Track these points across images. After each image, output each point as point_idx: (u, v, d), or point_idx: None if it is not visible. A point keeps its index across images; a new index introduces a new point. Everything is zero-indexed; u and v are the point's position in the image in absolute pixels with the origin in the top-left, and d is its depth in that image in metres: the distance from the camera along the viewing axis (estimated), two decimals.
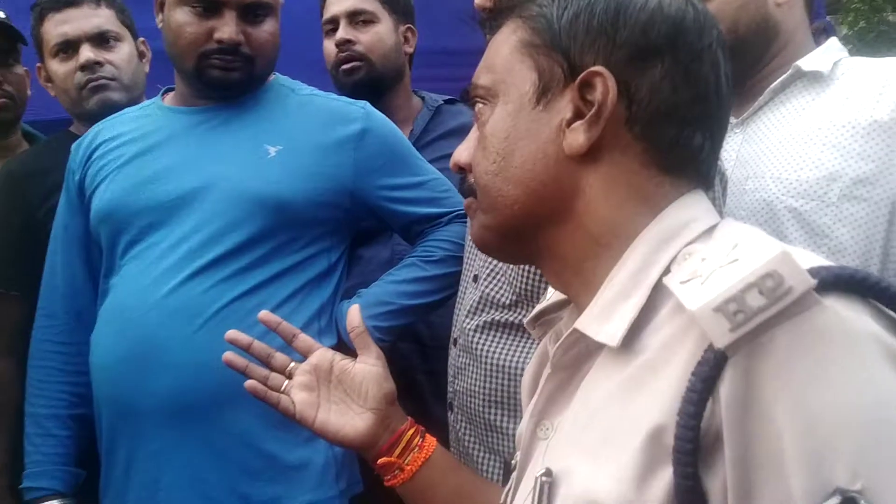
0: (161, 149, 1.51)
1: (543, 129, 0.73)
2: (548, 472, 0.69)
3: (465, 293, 1.42)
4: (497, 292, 1.33)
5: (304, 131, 1.52)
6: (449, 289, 1.55)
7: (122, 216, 1.48)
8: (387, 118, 1.63)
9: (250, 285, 1.42)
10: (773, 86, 1.47)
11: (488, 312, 1.34)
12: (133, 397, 1.41)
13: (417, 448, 1.02)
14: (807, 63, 1.44)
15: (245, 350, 1.08)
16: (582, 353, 0.73)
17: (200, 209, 1.44)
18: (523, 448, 0.79)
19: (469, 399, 1.36)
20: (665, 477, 0.60)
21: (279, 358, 1.07)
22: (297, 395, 1.04)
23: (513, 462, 0.83)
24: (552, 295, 0.85)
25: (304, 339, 1.08)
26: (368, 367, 1.03)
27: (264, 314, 1.10)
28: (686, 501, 0.59)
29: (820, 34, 1.62)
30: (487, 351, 1.33)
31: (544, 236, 0.75)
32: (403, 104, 2.02)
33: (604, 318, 0.69)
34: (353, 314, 1.06)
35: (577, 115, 0.72)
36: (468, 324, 1.36)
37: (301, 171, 1.48)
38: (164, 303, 1.40)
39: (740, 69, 1.47)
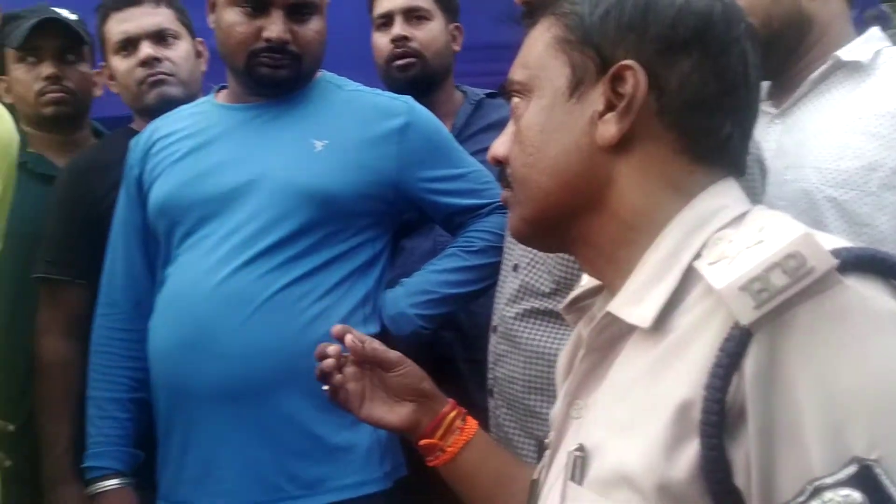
0: (214, 144, 1.57)
1: (577, 122, 0.76)
2: (580, 448, 0.72)
3: (504, 282, 1.46)
4: (537, 281, 1.36)
5: (350, 126, 1.57)
6: (489, 278, 1.59)
7: (178, 209, 1.55)
8: (429, 112, 1.67)
9: (299, 274, 1.48)
10: (812, 76, 1.48)
11: (528, 300, 1.37)
12: (188, 381, 1.47)
13: (459, 430, 1.06)
14: (846, 53, 1.45)
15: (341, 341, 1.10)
16: (614, 335, 0.76)
17: (251, 201, 1.50)
18: (556, 427, 0.82)
19: (509, 385, 1.39)
20: (692, 449, 0.63)
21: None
22: (347, 385, 1.09)
23: (546, 441, 0.86)
24: (586, 282, 0.88)
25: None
26: (396, 377, 1.08)
27: (337, 329, 1.10)
28: (711, 471, 0.62)
29: (872, 22, 1.61)
30: (527, 338, 1.36)
31: (579, 225, 0.78)
32: (447, 99, 2.07)
33: (636, 301, 0.72)
34: (349, 342, 1.08)
35: (609, 107, 0.75)
36: (508, 312, 1.40)
37: (346, 164, 1.53)
38: (217, 291, 1.46)
39: (776, 61, 1.48)
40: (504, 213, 1.60)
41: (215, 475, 1.47)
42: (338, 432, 1.48)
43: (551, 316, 1.33)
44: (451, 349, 1.93)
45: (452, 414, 1.07)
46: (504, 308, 1.41)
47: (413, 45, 1.99)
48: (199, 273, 1.49)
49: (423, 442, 1.06)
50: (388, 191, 1.58)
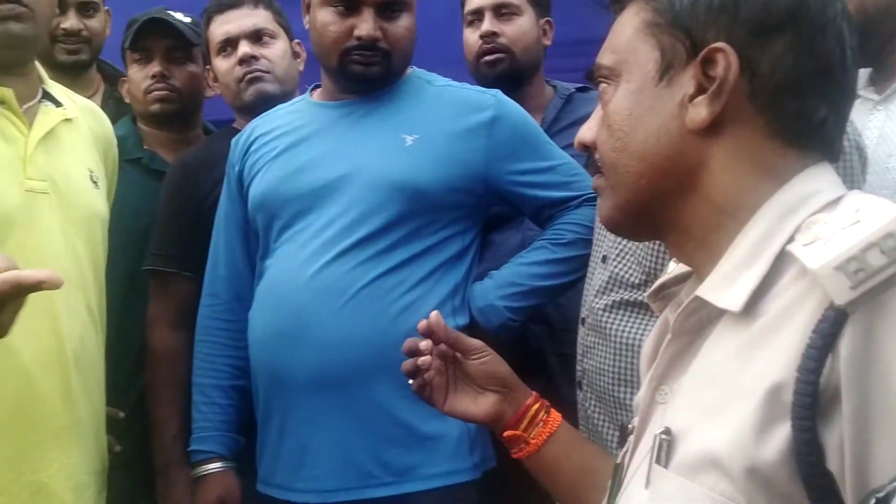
0: (309, 141, 1.63)
1: (666, 105, 0.76)
2: (667, 431, 0.72)
3: (593, 273, 1.45)
4: (626, 272, 1.35)
5: (439, 120, 1.60)
6: (578, 271, 1.58)
7: (275, 203, 1.61)
8: (518, 105, 1.68)
9: (390, 266, 1.52)
10: None
11: (617, 292, 1.37)
12: (285, 369, 1.53)
13: (542, 423, 1.07)
14: None
15: (430, 336, 1.11)
16: (703, 319, 0.75)
17: (344, 196, 1.55)
18: (641, 412, 0.82)
19: (598, 377, 1.39)
20: (783, 432, 0.62)
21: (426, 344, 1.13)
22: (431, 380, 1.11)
23: (630, 427, 0.86)
24: (673, 269, 0.88)
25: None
26: (477, 364, 1.09)
27: (423, 325, 1.11)
28: (803, 454, 0.61)
29: None
30: (616, 330, 1.36)
31: (669, 210, 0.78)
32: (536, 93, 2.07)
33: (726, 285, 0.71)
34: (434, 319, 1.10)
35: (700, 90, 0.74)
36: (597, 303, 1.40)
37: (436, 157, 1.56)
38: (311, 283, 1.51)
39: (873, 48, 1.43)
40: (593, 205, 1.59)
41: (310, 460, 1.52)
42: (428, 421, 1.51)
43: (640, 307, 1.32)
44: (540, 343, 1.93)
45: (536, 406, 1.07)
46: (593, 300, 1.41)
47: (502, 40, 2.01)
48: (294, 265, 1.54)
49: (506, 434, 1.07)
50: (476, 184, 1.60)
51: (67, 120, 1.49)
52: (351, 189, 1.55)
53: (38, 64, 1.51)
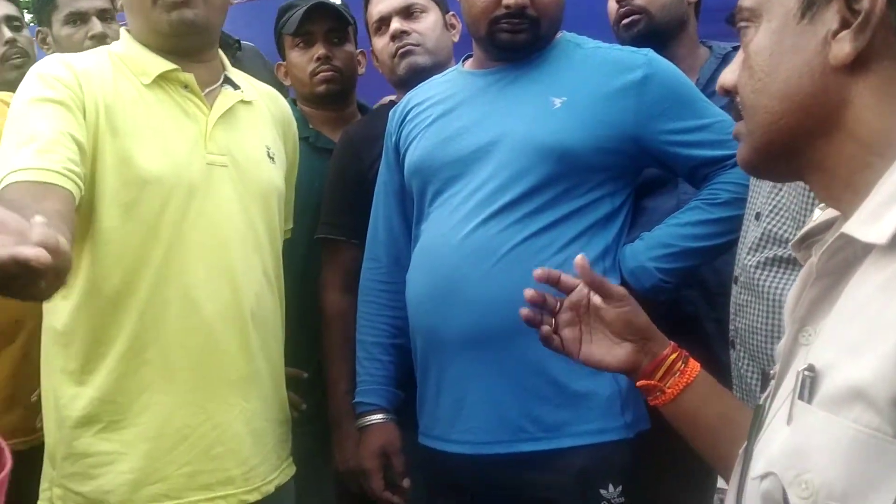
0: (460, 109, 1.69)
1: (808, 43, 0.74)
2: (810, 368, 0.71)
3: (747, 231, 1.42)
4: (779, 228, 1.32)
5: (588, 82, 1.61)
6: (734, 232, 1.54)
7: (429, 170, 1.68)
8: (671, 64, 1.66)
9: (539, 227, 1.55)
10: None
11: (770, 249, 1.33)
12: (439, 328, 1.61)
13: (679, 372, 1.07)
14: None
15: (554, 285, 1.17)
16: (848, 258, 0.74)
17: (493, 160, 1.59)
18: (783, 355, 0.81)
19: (751, 336, 1.36)
20: None
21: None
22: (563, 331, 1.15)
23: (771, 372, 0.85)
24: (818, 216, 0.86)
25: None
26: (616, 311, 1.10)
27: (539, 273, 1.17)
28: None
29: None
30: (769, 287, 1.32)
31: (813, 150, 0.76)
32: (688, 53, 2.02)
33: (873, 221, 0.70)
34: (580, 261, 1.12)
35: (844, 25, 0.72)
36: (749, 261, 1.37)
37: (584, 119, 1.57)
38: (462, 245, 1.57)
39: None
40: None
41: (465, 414, 1.59)
42: (578, 379, 1.53)
43: (794, 263, 1.28)
44: (696, 308, 1.90)
45: (673, 356, 1.08)
46: (746, 257, 1.38)
47: (637, 2, 2.00)
48: (447, 229, 1.61)
49: (641, 382, 1.09)
50: (627, 145, 1.59)
51: (246, 102, 1.64)
52: (500, 153, 1.59)
53: (221, 52, 1.66)
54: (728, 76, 0.84)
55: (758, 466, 0.75)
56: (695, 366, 1.08)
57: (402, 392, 1.81)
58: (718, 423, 1.05)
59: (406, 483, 1.78)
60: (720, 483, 1.07)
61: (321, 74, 2.17)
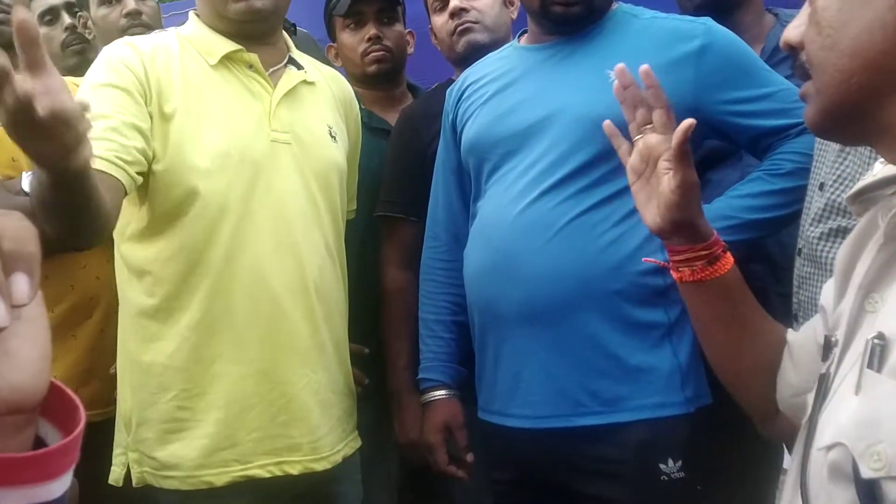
0: (515, 85, 1.68)
1: None
2: (880, 336, 0.69)
3: (810, 202, 1.38)
4: (844, 198, 1.27)
5: (644, 53, 1.57)
6: (798, 203, 1.50)
7: (485, 147, 1.69)
8: (730, 32, 1.62)
9: (595, 201, 1.54)
10: None
11: (834, 219, 1.29)
12: (496, 303, 1.61)
13: (707, 260, 1.05)
14: None
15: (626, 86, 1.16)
16: None
17: (548, 135, 1.59)
18: (848, 322, 0.78)
19: (813, 309, 1.33)
20: None
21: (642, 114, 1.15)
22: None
23: (833, 338, 0.83)
24: (880, 170, 0.82)
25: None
26: (667, 193, 1.07)
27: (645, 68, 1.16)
28: None
29: None
30: (833, 259, 1.28)
31: (883, 111, 0.73)
32: (753, 22, 1.96)
33: None
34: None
35: None
36: (813, 232, 1.33)
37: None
38: (518, 220, 1.57)
39: None
40: None
41: (523, 388, 1.59)
42: (637, 354, 1.53)
43: None
44: (762, 282, 1.85)
45: (711, 240, 1.06)
46: (809, 228, 1.34)
47: None
48: (503, 204, 1.61)
49: (670, 246, 1.08)
50: (685, 116, 1.54)
51: (309, 83, 1.68)
52: (555, 128, 1.58)
53: (285, 33, 1.70)
54: (792, 32, 0.81)
55: (824, 437, 0.74)
56: (729, 260, 1.06)
57: (465, 369, 1.82)
58: (737, 323, 1.05)
59: (469, 457, 1.81)
60: (786, 462, 1.06)
61: (373, 54, 2.19)
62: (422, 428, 1.82)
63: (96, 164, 1.32)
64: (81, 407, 0.55)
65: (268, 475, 1.54)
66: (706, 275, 1.05)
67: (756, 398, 1.06)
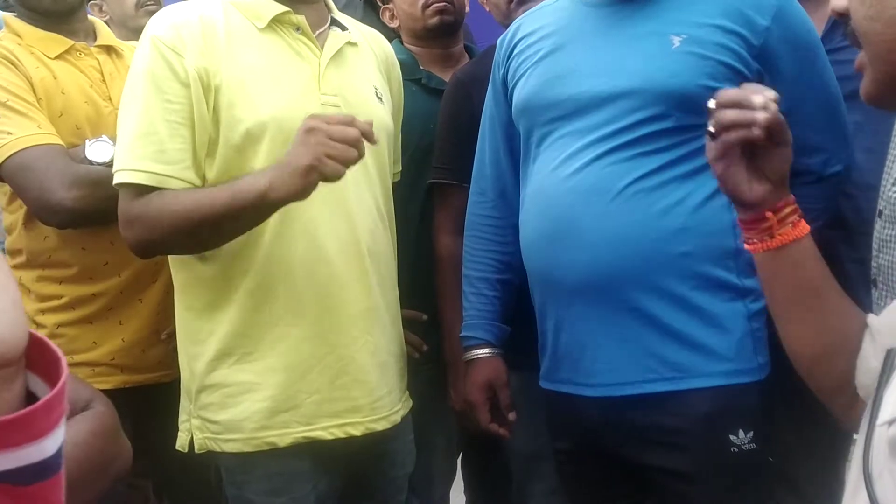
0: (572, 45, 1.61)
1: None
2: None
3: (893, 163, 1.31)
4: None
5: (711, 19, 1.51)
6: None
7: (537, 109, 1.63)
8: (803, 11, 1.56)
9: (654, 166, 1.49)
10: None
11: None
12: (554, 271, 1.57)
13: (792, 224, 1.00)
14: None
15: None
16: None
17: (606, 101, 1.52)
18: None
19: (895, 273, 1.27)
20: None
21: None
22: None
23: None
24: None
25: None
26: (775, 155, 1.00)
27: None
28: None
29: None
30: None
31: None
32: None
33: None
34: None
35: None
36: (893, 192, 1.26)
37: (703, 59, 1.49)
38: (574, 185, 1.53)
39: None
40: None
41: (588, 356, 1.55)
42: (707, 318, 1.49)
43: None
44: (836, 249, 1.78)
45: (791, 207, 1.00)
46: (891, 189, 1.28)
47: None
48: (556, 169, 1.56)
49: (762, 215, 1.01)
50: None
51: (353, 44, 1.66)
52: (613, 94, 1.52)
53: None
54: (840, 0, 0.78)
55: (886, 412, 0.72)
56: (805, 228, 1.01)
57: (509, 327, 1.80)
58: (807, 293, 1.00)
59: (512, 416, 1.79)
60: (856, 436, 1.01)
61: (435, 6, 2.13)
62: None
63: (166, 183, 1.47)
64: (63, 358, 0.53)
65: (330, 437, 1.56)
66: (798, 233, 1.00)
67: (835, 385, 1.02)
